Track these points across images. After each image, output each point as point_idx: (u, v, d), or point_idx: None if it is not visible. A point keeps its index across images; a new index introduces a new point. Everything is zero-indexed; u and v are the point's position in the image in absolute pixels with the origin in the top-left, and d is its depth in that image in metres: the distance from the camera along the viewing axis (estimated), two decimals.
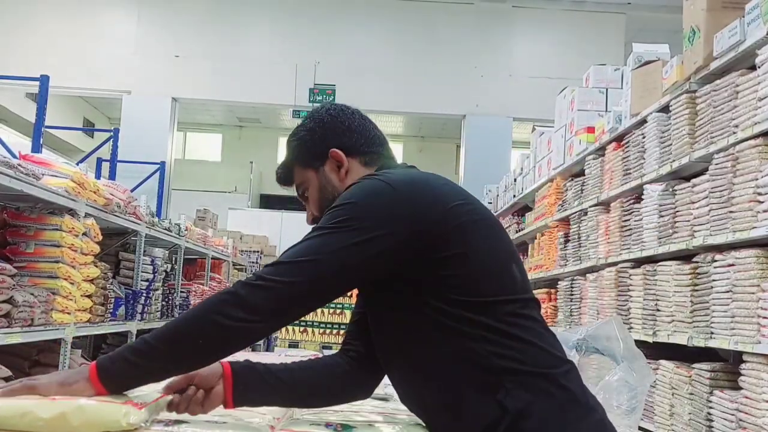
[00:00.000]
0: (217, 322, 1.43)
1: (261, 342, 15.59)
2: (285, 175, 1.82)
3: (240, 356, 1.98)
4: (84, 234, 4.50)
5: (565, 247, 6.39)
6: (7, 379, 3.68)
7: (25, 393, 1.49)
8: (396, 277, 1.53)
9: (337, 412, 1.90)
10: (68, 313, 4.35)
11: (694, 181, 3.96)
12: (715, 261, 3.64)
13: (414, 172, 1.70)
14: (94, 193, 4.72)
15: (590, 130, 6.00)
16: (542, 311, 7.61)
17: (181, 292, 7.38)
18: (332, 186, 1.72)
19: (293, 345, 7.56)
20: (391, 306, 1.59)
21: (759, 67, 3.37)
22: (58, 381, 1.49)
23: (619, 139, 5.24)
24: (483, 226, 1.60)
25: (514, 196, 8.88)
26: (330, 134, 1.74)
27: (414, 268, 1.51)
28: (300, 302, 1.50)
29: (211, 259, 8.77)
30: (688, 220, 4.00)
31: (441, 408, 1.56)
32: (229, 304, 1.43)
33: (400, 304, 1.56)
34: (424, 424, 1.75)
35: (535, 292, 7.20)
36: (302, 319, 7.81)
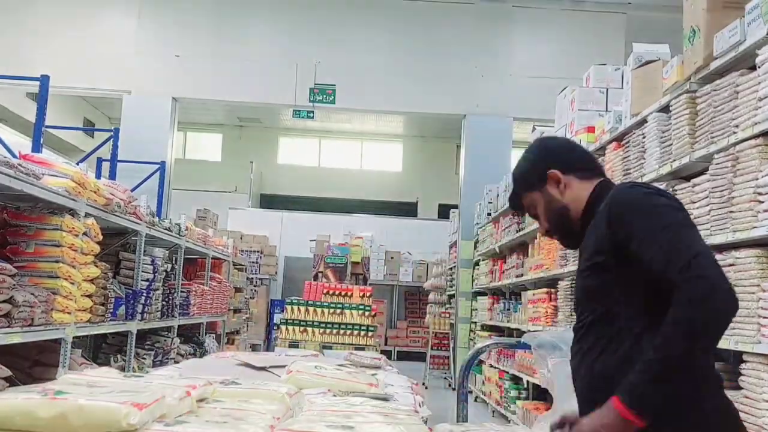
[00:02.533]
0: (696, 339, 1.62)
1: (261, 342, 15.60)
2: (515, 204, 2.21)
3: (241, 357, 1.99)
4: (84, 234, 4.50)
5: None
6: (7, 379, 3.68)
7: None
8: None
9: (337, 412, 1.90)
10: (68, 313, 4.35)
11: (694, 180, 3.96)
12: None
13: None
14: (95, 192, 4.72)
15: (590, 129, 6.00)
16: (542, 311, 7.56)
17: (181, 291, 7.38)
18: (556, 200, 2.05)
19: (293, 345, 7.55)
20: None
21: (759, 67, 3.37)
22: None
23: (619, 138, 5.24)
24: None
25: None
26: (546, 158, 2.10)
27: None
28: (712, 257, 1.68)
29: (212, 258, 8.77)
30: None
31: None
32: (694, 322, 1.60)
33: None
34: (425, 424, 1.78)
35: (535, 292, 7.15)
36: (302, 319, 7.83)
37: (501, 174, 10.40)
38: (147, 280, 6.08)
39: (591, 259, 1.87)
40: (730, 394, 3.42)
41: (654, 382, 1.61)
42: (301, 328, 7.78)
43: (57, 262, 4.24)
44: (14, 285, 3.74)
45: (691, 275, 1.60)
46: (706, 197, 3.77)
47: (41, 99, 6.04)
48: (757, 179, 3.28)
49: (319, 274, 9.92)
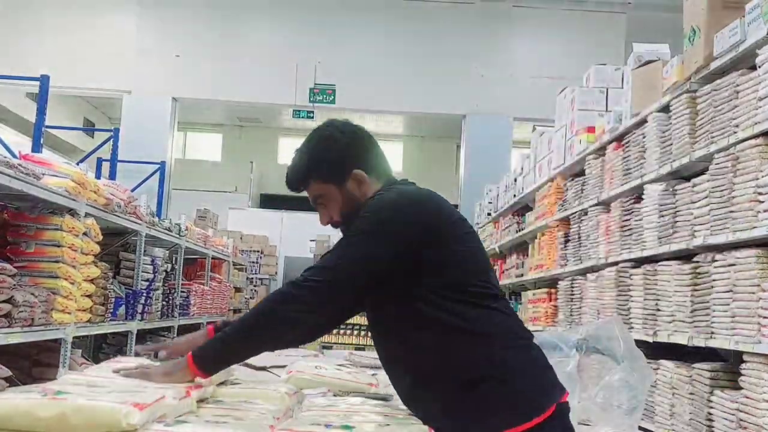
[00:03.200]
0: (280, 314, 1.85)
1: None
2: (295, 184, 2.17)
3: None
4: (84, 234, 4.50)
5: (565, 246, 6.39)
6: (7, 379, 3.68)
7: (138, 378, 1.80)
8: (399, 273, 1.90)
9: (337, 412, 1.90)
10: (68, 313, 4.34)
11: (694, 180, 3.96)
12: (716, 261, 3.63)
13: (423, 190, 2.04)
14: (95, 192, 4.72)
15: (591, 129, 6.00)
16: (542, 311, 7.58)
17: (182, 291, 7.38)
18: (355, 198, 2.05)
19: None
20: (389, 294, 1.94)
21: (759, 67, 3.37)
22: (162, 371, 1.83)
23: (619, 138, 5.24)
24: (471, 237, 2.01)
25: (515, 195, 8.88)
26: (352, 156, 2.08)
27: (416, 266, 1.89)
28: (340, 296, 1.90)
29: (212, 258, 8.77)
30: (689, 220, 3.99)
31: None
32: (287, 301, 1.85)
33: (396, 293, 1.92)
34: (422, 421, 1.79)
35: (535, 291, 7.13)
36: None
37: (501, 174, 10.40)
38: (147, 280, 6.08)
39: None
40: (730, 394, 3.43)
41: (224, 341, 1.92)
42: None
43: (57, 262, 4.23)
44: (14, 285, 3.74)
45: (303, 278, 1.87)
46: (706, 197, 3.77)
47: (41, 99, 6.04)
48: (757, 179, 3.28)
49: None
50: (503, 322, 1.92)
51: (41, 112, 6.03)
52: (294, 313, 1.84)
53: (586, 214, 5.87)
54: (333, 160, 2.07)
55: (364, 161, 2.08)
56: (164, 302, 6.67)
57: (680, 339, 3.95)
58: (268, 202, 19.89)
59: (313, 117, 14.17)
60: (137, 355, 2.20)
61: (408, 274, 1.88)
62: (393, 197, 1.97)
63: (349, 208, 2.05)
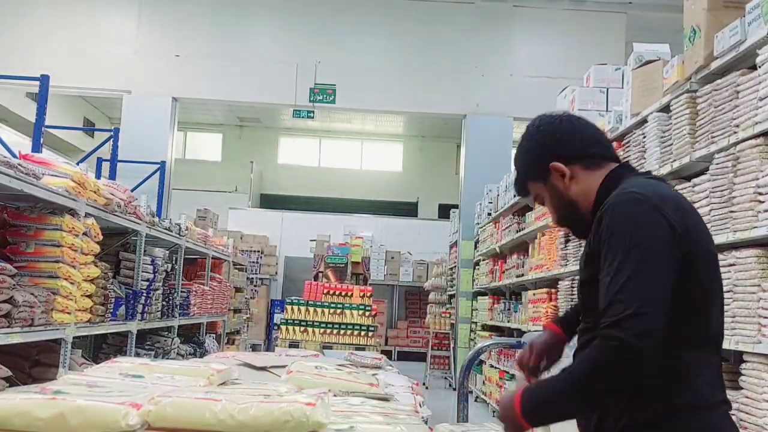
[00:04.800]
0: (613, 383, 1.61)
1: (261, 342, 15.60)
2: (521, 189, 2.06)
3: (241, 357, 1.99)
4: (84, 234, 4.50)
5: (565, 246, 6.39)
6: (7, 379, 3.68)
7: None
8: None
9: (337, 412, 1.89)
10: (68, 313, 4.34)
11: (694, 180, 3.95)
12: None
13: (660, 188, 1.81)
14: (95, 192, 4.72)
15: None
16: (543, 311, 7.54)
17: (182, 292, 7.38)
18: (561, 194, 1.92)
19: (293, 345, 7.55)
20: None
21: (759, 67, 3.37)
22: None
23: (619, 138, 5.24)
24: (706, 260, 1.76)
25: (515, 195, 8.88)
26: (546, 150, 1.93)
27: None
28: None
29: (212, 258, 8.77)
30: None
31: None
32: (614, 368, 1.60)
33: None
34: (425, 424, 1.79)
35: (535, 292, 7.10)
36: (302, 319, 7.84)
37: (501, 174, 10.40)
38: (147, 280, 6.08)
39: (591, 268, 1.78)
40: (730, 394, 3.42)
41: (550, 400, 1.68)
42: (302, 328, 7.78)
43: (57, 262, 4.23)
44: (14, 285, 3.74)
45: (611, 334, 1.59)
46: (707, 197, 3.76)
47: (41, 99, 6.04)
48: (758, 179, 3.27)
49: (320, 274, 9.92)
50: None
51: (41, 112, 6.03)
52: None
53: None
54: (531, 156, 1.97)
55: (563, 151, 1.91)
56: (164, 302, 6.67)
57: None
58: (268, 202, 19.91)
59: (313, 117, 14.17)
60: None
61: None
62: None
63: (561, 205, 1.94)
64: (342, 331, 7.66)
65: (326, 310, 7.83)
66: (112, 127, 11.51)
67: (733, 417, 3.34)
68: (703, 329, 1.72)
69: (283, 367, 2.64)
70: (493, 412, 9.14)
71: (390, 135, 20.84)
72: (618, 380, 1.59)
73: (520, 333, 7.77)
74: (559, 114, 1.98)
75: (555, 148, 1.91)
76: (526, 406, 1.68)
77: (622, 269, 1.62)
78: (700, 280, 1.70)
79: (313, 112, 13.54)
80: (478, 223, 11.95)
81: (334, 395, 2.26)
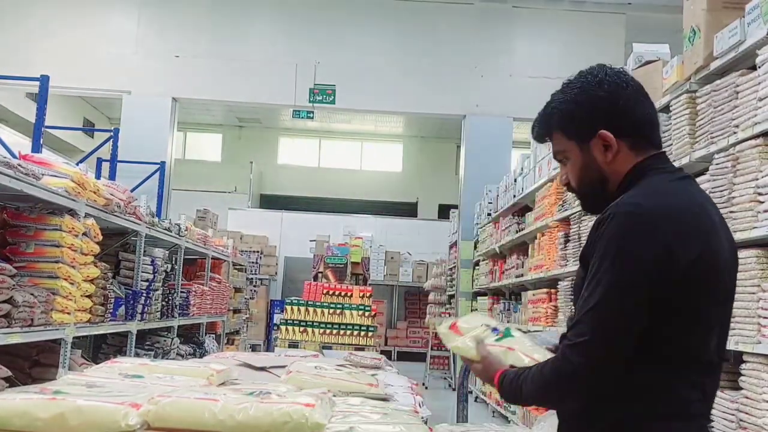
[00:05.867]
0: (567, 391, 1.66)
1: (261, 342, 15.60)
2: (541, 134, 1.84)
3: (241, 357, 1.99)
4: (84, 234, 4.50)
5: (565, 247, 6.39)
6: (6, 379, 3.68)
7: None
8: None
9: (337, 413, 1.89)
10: (68, 313, 4.34)
11: None
12: None
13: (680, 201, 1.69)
14: (94, 193, 4.72)
15: None
16: (542, 311, 7.54)
17: (181, 292, 7.38)
18: (597, 166, 1.73)
19: (293, 345, 7.54)
20: None
21: (759, 67, 3.37)
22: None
23: None
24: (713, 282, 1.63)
25: (514, 196, 8.88)
26: (602, 114, 1.71)
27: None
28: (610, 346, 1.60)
29: (211, 259, 8.77)
30: None
31: None
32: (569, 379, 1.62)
33: None
34: (425, 424, 1.81)
35: (535, 292, 7.10)
36: (302, 319, 7.84)
37: (501, 174, 10.40)
38: (147, 280, 6.08)
39: (583, 270, 1.72)
40: (730, 394, 3.43)
41: (521, 391, 1.72)
42: (301, 329, 7.77)
43: (57, 262, 4.23)
44: (14, 285, 3.74)
45: (566, 354, 1.62)
46: None
47: (41, 99, 6.04)
48: (757, 179, 3.28)
49: (319, 275, 9.91)
50: None
51: (41, 112, 6.03)
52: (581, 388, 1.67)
53: (586, 214, 5.88)
54: (579, 112, 1.73)
55: (618, 121, 1.70)
56: (164, 302, 6.67)
57: None
58: (268, 202, 19.91)
59: (313, 117, 14.18)
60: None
61: None
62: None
63: (590, 176, 1.75)
64: (341, 332, 7.66)
65: (326, 311, 7.82)
66: (112, 128, 11.50)
67: (733, 417, 3.35)
68: (692, 350, 1.61)
69: (283, 367, 2.64)
70: (493, 412, 9.14)
71: (390, 135, 20.84)
72: (568, 393, 1.66)
73: None
74: (625, 76, 1.75)
75: (611, 116, 1.70)
76: (504, 386, 1.75)
77: (594, 293, 1.59)
78: (698, 304, 1.59)
79: (313, 112, 13.54)
80: (477, 224, 11.94)
81: (334, 395, 2.26)
